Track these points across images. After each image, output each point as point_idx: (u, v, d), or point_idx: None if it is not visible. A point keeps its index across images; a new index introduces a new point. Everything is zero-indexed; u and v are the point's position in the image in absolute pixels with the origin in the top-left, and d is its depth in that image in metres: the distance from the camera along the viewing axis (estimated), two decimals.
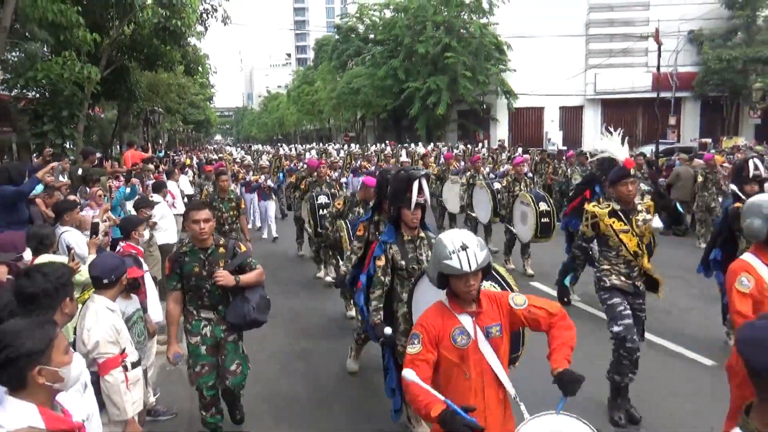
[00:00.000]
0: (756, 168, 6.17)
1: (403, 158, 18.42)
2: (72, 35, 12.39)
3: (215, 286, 3.97)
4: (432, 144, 28.73)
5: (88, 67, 12.63)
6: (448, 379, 2.75)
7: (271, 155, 24.92)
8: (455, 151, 23.22)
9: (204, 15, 15.15)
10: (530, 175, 11.30)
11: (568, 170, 14.23)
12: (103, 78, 14.01)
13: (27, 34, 12.85)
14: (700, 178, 11.52)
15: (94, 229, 4.75)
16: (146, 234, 5.28)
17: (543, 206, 8.72)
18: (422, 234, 4.33)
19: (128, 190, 7.12)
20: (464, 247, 2.65)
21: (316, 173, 9.74)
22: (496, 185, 10.42)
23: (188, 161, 18.82)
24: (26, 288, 2.59)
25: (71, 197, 5.89)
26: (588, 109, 36.83)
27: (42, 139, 12.43)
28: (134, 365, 3.45)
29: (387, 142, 32.26)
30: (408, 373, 2.53)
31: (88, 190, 6.88)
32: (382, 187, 5.13)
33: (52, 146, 12.05)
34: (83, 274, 3.79)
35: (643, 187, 11.42)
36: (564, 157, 16.88)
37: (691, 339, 6.33)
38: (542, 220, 8.64)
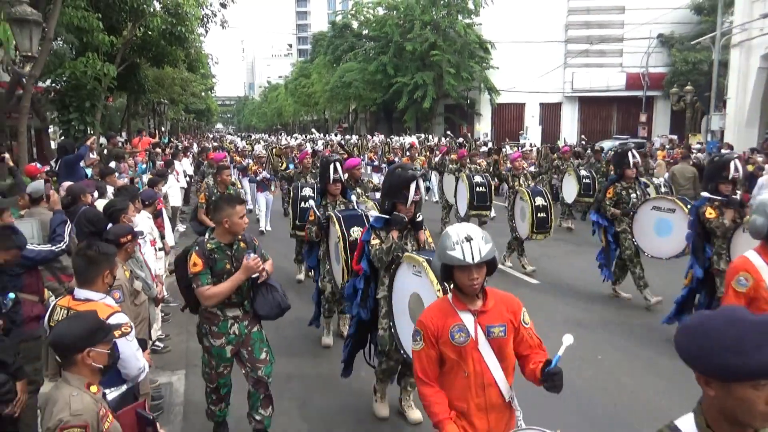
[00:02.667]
0: (736, 170, 5.93)
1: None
2: (93, 37, 14.81)
3: (244, 283, 3.94)
4: (415, 136, 31.08)
5: (107, 66, 15.04)
6: (448, 376, 2.79)
7: (264, 144, 25.65)
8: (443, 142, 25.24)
9: (204, 20, 17.52)
10: (532, 169, 11.14)
11: (563, 165, 14.08)
12: (117, 73, 16.43)
13: (56, 36, 15.25)
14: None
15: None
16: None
17: (539, 201, 8.51)
18: (410, 226, 4.46)
19: (144, 165, 9.57)
20: (468, 239, 2.66)
21: (301, 164, 9.81)
22: (478, 179, 10.49)
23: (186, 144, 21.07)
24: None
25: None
26: (566, 105, 39.14)
27: (68, 125, 14.85)
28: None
29: (375, 133, 34.71)
30: (425, 389, 2.77)
31: (114, 164, 9.32)
32: (323, 174, 6.20)
33: (77, 131, 14.53)
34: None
35: (583, 172, 13.08)
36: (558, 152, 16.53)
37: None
38: (538, 215, 8.42)
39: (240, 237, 4.03)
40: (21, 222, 4.79)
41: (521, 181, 9.47)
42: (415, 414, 4.70)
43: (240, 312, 4.04)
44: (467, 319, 2.72)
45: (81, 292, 3.19)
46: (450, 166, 12.30)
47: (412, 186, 4.24)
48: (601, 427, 4.70)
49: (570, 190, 12.81)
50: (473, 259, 2.62)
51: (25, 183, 6.37)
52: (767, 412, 1.51)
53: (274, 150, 19.54)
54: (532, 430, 2.58)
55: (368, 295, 4.62)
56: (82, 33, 14.56)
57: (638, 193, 7.50)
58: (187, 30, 15.70)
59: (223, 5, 16.83)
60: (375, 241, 4.36)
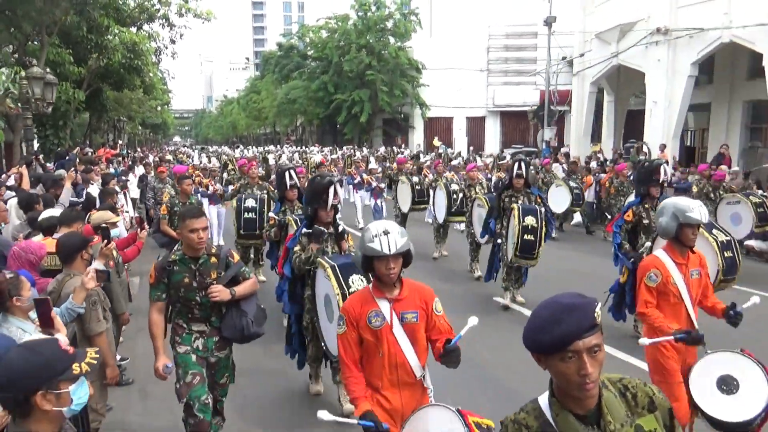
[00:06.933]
0: (665, 173, 6.41)
1: (372, 165, 18.30)
2: (65, 69, 18.40)
3: (206, 299, 3.77)
4: (340, 148, 35.04)
5: (76, 92, 18.64)
6: (366, 355, 3.10)
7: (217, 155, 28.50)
8: (377, 153, 28.75)
9: (157, 53, 21.26)
10: (483, 181, 11.64)
11: (546, 177, 14.39)
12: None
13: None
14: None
15: (106, 234, 4.52)
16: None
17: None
18: (331, 230, 4.83)
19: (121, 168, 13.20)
20: (386, 233, 2.98)
21: (247, 175, 9.90)
22: (454, 186, 10.61)
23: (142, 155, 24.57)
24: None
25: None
26: (489, 119, 43.83)
27: (44, 139, 18.38)
28: None
29: (316, 145, 38.65)
30: (346, 370, 3.08)
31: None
32: (280, 182, 6.91)
33: (51, 145, 18.11)
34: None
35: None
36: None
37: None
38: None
39: (212, 251, 3.89)
40: None
41: (477, 190, 10.10)
42: (349, 406, 4.76)
43: (206, 327, 3.91)
44: (384, 305, 3.04)
45: None
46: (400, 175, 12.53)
47: (330, 191, 4.64)
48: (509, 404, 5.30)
49: (561, 201, 13.04)
50: (390, 250, 2.93)
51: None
52: (580, 382, 1.66)
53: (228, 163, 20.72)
54: (436, 407, 2.85)
55: (296, 293, 5.04)
56: (56, 65, 18.12)
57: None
58: (143, 63, 19.41)
59: (173, 41, 20.52)
60: (297, 248, 4.79)
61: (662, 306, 3.83)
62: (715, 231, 6.42)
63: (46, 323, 3.13)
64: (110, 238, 4.55)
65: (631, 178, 12.36)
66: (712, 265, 5.86)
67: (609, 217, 12.41)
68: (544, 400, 1.80)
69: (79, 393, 1.95)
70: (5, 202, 6.70)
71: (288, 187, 6.64)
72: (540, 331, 1.68)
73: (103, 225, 4.65)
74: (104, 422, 4.25)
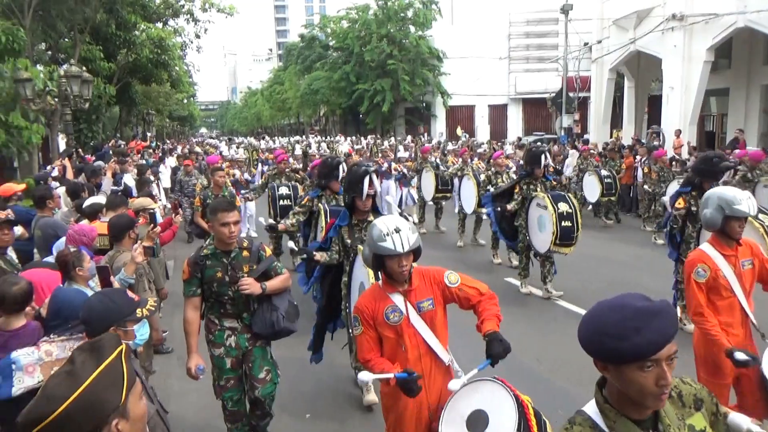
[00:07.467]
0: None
1: (401, 153, 18.60)
2: (96, 65, 19.22)
3: (238, 293, 3.76)
4: (368, 138, 35.55)
5: (107, 87, 19.45)
6: (389, 352, 3.05)
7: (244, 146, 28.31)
8: (405, 142, 28.84)
9: (183, 47, 21.99)
10: (514, 168, 11.28)
11: (584, 164, 13.85)
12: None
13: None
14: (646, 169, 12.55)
15: (153, 218, 5.18)
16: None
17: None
18: (370, 218, 4.76)
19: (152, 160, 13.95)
20: (397, 230, 2.89)
21: (276, 166, 10.03)
22: (482, 177, 10.30)
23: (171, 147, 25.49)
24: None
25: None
26: (511, 106, 43.90)
27: (79, 132, 19.24)
28: None
29: (339, 135, 39.24)
30: (368, 364, 3.02)
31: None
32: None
33: (85, 138, 18.97)
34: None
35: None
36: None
37: None
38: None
39: (244, 245, 3.86)
40: None
41: (504, 178, 9.60)
42: (371, 397, 4.97)
43: (238, 324, 3.92)
44: (398, 299, 2.98)
45: None
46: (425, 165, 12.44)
47: (366, 180, 4.61)
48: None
49: (592, 191, 12.81)
50: (403, 248, 2.87)
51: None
52: (657, 393, 1.58)
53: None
54: (476, 383, 2.70)
55: (321, 275, 5.17)
56: (87, 62, 18.94)
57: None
58: (169, 57, 20.15)
59: (198, 36, 21.23)
60: (334, 246, 4.86)
61: (714, 302, 3.62)
62: (761, 216, 5.88)
63: (107, 286, 3.74)
64: (156, 221, 5.13)
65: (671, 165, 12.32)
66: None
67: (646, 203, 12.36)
68: (591, 409, 1.72)
69: (142, 331, 2.55)
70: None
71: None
72: (614, 338, 1.55)
73: (150, 210, 5.23)
74: (149, 382, 4.84)
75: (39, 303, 3.26)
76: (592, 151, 15.05)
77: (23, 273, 3.73)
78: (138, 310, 2.49)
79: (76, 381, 1.39)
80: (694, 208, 6.03)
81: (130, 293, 2.63)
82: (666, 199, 6.36)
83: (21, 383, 2.54)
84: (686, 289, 3.65)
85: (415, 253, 3.00)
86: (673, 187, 9.12)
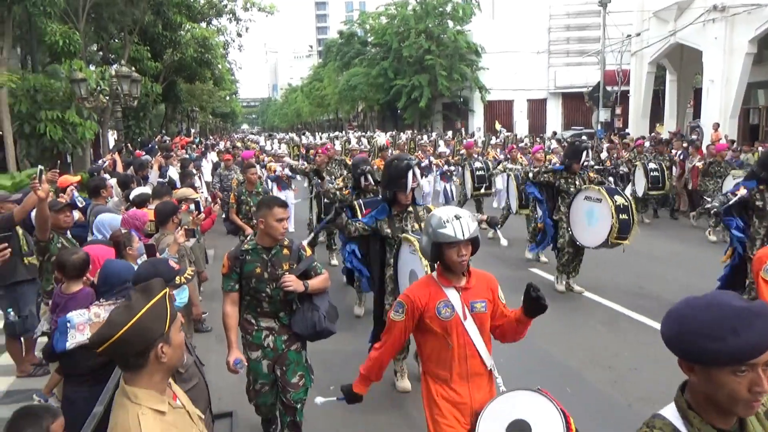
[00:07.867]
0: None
1: (441, 148, 17.72)
2: (143, 65, 20.10)
3: (276, 291, 3.73)
4: (409, 132, 35.88)
5: (154, 85, 20.32)
6: (433, 348, 2.96)
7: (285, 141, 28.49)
8: (445, 137, 28.21)
9: (225, 46, 22.74)
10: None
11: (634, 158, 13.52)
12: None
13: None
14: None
15: (197, 206, 5.70)
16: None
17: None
18: (410, 208, 4.78)
19: (195, 155, 14.65)
20: (457, 217, 2.84)
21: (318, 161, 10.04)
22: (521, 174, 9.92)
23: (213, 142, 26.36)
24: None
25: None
26: (550, 101, 43.51)
27: (127, 129, 20.17)
28: None
29: (376, 130, 39.68)
30: (374, 353, 3.12)
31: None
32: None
33: (133, 134, 19.89)
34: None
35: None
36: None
37: None
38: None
39: (285, 243, 3.84)
40: None
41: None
42: (405, 383, 5.08)
43: (275, 324, 3.88)
44: (452, 295, 2.91)
45: None
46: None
47: (409, 174, 4.53)
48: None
49: (638, 185, 12.62)
50: (464, 235, 2.80)
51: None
52: (750, 400, 1.46)
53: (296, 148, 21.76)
54: (516, 392, 2.72)
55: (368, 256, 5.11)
56: (135, 61, 19.83)
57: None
58: (212, 56, 20.91)
59: (239, 35, 21.93)
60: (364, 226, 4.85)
61: None
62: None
63: None
64: (200, 208, 5.64)
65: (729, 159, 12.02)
66: None
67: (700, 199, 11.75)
68: (671, 413, 1.61)
69: (181, 296, 3.00)
70: None
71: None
72: (709, 339, 1.44)
73: (194, 199, 5.79)
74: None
75: (93, 274, 3.75)
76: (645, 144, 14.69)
77: (84, 248, 4.24)
78: (178, 278, 2.93)
79: (132, 312, 1.78)
80: (760, 203, 5.84)
81: (171, 263, 3.06)
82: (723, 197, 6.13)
83: (74, 339, 3.04)
84: (758, 287, 3.49)
85: (474, 245, 2.90)
86: (730, 182, 9.07)
